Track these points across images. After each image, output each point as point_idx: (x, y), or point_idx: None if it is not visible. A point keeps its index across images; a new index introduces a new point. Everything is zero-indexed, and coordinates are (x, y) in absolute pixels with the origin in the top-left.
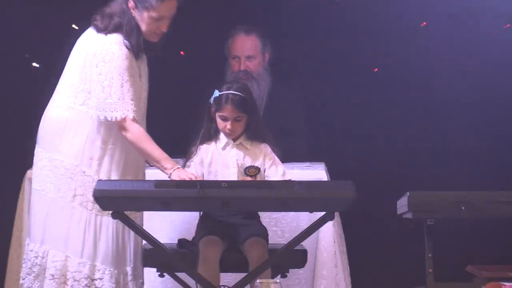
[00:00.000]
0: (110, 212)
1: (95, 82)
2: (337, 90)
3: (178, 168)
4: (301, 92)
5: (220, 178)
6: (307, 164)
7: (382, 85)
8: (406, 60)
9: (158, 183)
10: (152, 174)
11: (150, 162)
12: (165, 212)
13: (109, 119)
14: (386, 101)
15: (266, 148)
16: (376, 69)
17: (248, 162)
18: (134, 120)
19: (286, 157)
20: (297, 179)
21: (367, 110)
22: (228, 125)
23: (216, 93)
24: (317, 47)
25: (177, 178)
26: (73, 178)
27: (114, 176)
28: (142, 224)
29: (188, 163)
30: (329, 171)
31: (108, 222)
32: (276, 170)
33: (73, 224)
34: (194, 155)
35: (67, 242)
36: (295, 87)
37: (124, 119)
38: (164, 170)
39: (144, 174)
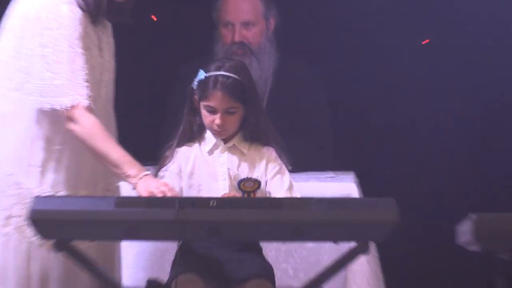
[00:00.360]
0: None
1: (37, 58)
2: (370, 70)
3: (146, 175)
4: (321, 73)
5: (204, 194)
6: (330, 174)
7: (429, 60)
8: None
9: (121, 201)
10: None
11: (109, 167)
12: (130, 242)
13: (56, 107)
14: (433, 84)
15: (269, 153)
16: (427, 41)
17: (244, 172)
18: (88, 109)
19: (300, 165)
20: (316, 196)
21: (412, 99)
22: (217, 119)
23: (201, 74)
24: (346, 11)
25: (144, 192)
26: (5, 193)
27: (62, 190)
28: (118, 260)
29: (160, 173)
30: (361, 184)
31: (57, 255)
32: (281, 182)
33: (10, 258)
34: (169, 161)
35: (5, 286)
36: (312, 66)
37: (75, 107)
38: (127, 179)
39: (108, 188)
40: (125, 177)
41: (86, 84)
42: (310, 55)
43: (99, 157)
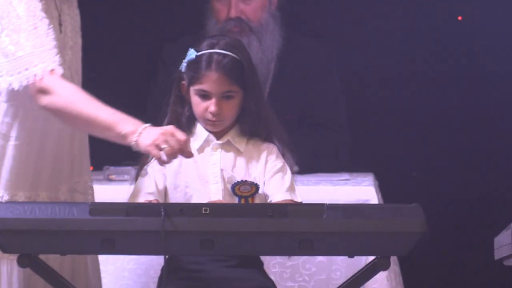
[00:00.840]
0: (15, 256)
1: None
2: (393, 53)
3: (145, 128)
4: (335, 55)
5: (192, 199)
6: (345, 176)
7: (465, 38)
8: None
9: (96, 208)
10: (107, 192)
11: (100, 134)
12: (108, 256)
13: (29, 81)
14: (469, 69)
15: (270, 149)
16: (460, 18)
17: (239, 173)
18: (62, 77)
19: (310, 165)
20: (328, 201)
21: (443, 86)
22: (212, 105)
23: (192, 53)
24: None
25: (150, 148)
26: None
27: (21, 194)
28: (97, 278)
29: (142, 172)
30: (382, 187)
31: (12, 270)
32: (281, 182)
33: None
34: (152, 158)
35: None
36: (325, 46)
37: (49, 75)
38: (125, 140)
39: (76, 187)
40: (122, 139)
41: (56, 50)
42: (321, 35)
43: (86, 125)
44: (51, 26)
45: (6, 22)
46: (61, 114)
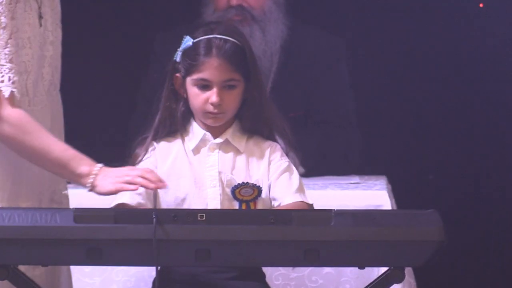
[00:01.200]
0: None
1: None
2: (407, 43)
3: (102, 168)
4: (344, 46)
5: (186, 203)
6: (355, 179)
7: (487, 28)
8: None
9: (81, 215)
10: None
11: (50, 170)
12: (94, 267)
13: None
14: (493, 60)
15: (273, 148)
16: (481, 5)
17: (240, 176)
18: (11, 100)
19: (317, 167)
20: (336, 207)
21: (461, 78)
22: (214, 96)
23: (188, 40)
24: None
25: (112, 187)
26: None
27: None
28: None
29: None
30: (395, 192)
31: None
32: (288, 183)
33: None
34: (144, 157)
35: None
36: (334, 36)
37: None
38: (79, 180)
39: (53, 197)
40: (76, 178)
41: (9, 65)
42: (329, 24)
43: (36, 159)
44: (13, 36)
45: None
46: (9, 143)
